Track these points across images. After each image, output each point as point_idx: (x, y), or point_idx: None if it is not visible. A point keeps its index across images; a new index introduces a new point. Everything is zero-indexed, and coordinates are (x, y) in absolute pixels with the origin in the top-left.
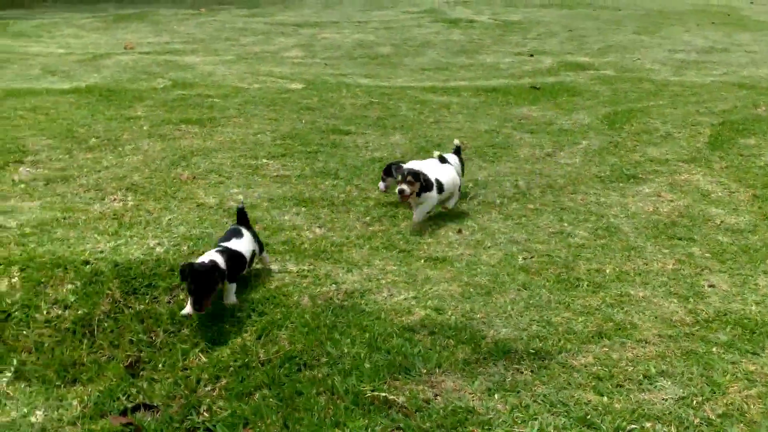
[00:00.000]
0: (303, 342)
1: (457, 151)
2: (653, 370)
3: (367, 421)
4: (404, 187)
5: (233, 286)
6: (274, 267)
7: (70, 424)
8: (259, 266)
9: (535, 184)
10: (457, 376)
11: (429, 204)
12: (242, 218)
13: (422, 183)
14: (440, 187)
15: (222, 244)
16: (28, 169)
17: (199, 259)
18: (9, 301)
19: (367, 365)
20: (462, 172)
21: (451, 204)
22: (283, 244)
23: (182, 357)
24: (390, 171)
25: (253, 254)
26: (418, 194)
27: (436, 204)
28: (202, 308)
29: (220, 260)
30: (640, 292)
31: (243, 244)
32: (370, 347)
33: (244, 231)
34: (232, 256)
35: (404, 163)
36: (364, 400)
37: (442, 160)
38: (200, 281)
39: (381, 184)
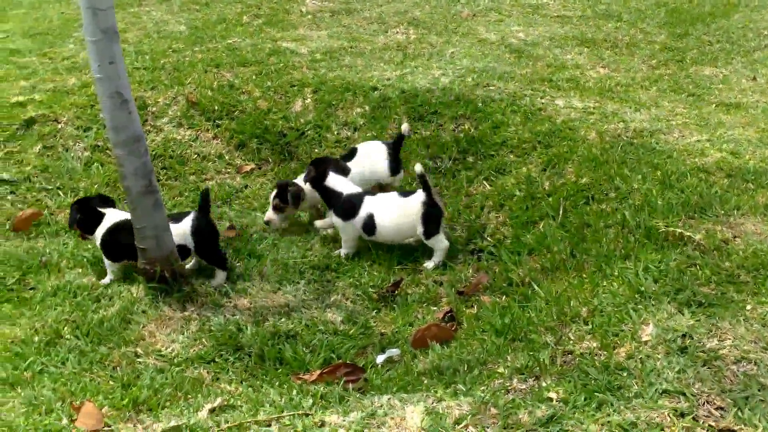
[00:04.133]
0: (590, 176)
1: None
2: None
3: (660, 255)
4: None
5: None
6: (560, 102)
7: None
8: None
9: None
10: (758, 219)
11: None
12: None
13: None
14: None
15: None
16: (314, 1)
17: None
18: (303, 120)
19: (659, 202)
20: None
21: None
22: (567, 81)
23: (467, 183)
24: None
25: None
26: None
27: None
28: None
29: (115, 217)
30: None
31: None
32: (662, 185)
33: (189, 219)
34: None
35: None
36: (657, 235)
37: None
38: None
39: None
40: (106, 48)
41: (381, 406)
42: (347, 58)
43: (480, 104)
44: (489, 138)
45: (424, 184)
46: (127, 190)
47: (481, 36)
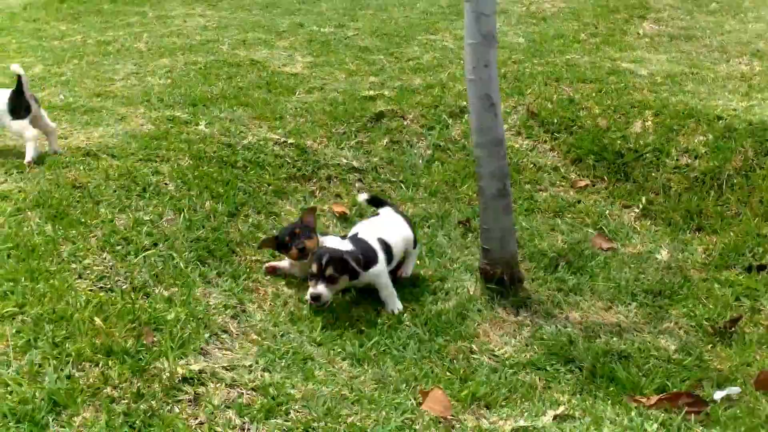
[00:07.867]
0: None
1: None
2: None
3: None
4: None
5: None
6: None
7: (693, 267)
8: None
9: None
10: None
11: None
12: None
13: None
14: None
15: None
16: (651, 24)
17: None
18: (642, 142)
19: None
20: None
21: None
22: None
23: None
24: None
25: None
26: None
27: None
28: None
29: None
30: None
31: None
32: None
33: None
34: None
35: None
36: None
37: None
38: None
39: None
40: (483, 51)
41: None
42: (689, 83)
43: None
44: None
45: None
46: (481, 191)
47: None
